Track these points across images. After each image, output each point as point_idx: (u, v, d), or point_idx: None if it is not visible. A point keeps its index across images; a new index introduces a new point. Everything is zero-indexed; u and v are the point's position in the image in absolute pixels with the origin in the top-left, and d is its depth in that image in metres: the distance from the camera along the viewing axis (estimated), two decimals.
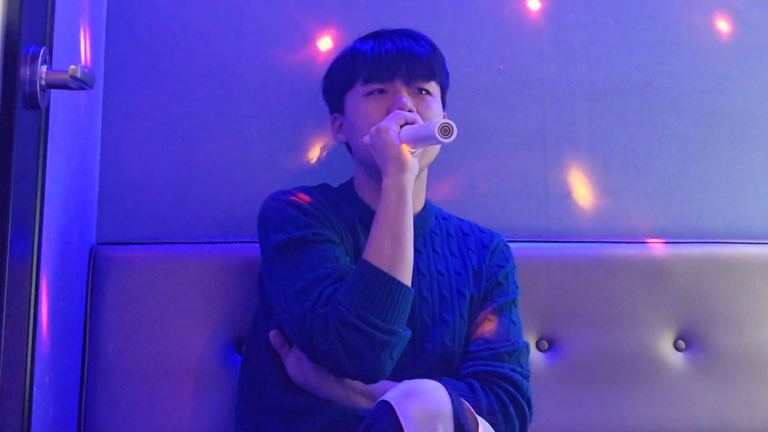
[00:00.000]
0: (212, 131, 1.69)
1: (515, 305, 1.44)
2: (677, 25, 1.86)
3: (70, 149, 1.44)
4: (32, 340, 1.16)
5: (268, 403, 1.36)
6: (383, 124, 1.33)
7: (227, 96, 1.70)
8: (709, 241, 1.76)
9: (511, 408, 1.31)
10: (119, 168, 1.66)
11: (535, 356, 1.63)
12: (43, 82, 1.04)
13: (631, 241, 1.74)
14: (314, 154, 1.68)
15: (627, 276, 1.68)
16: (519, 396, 1.33)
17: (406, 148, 1.31)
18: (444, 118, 1.47)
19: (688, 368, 1.67)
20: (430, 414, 1.07)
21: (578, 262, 1.69)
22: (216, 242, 1.62)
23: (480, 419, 1.13)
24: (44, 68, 1.04)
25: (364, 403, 1.30)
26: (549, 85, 1.80)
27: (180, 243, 1.62)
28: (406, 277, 1.26)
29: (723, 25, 1.87)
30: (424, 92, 1.41)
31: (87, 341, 1.53)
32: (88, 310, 1.54)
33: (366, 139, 1.36)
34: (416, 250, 1.39)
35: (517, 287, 1.46)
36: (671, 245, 1.72)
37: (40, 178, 1.14)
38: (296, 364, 1.33)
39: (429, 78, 1.41)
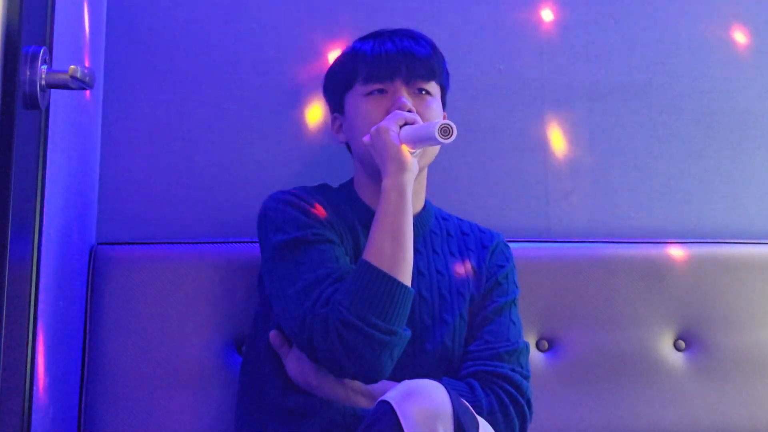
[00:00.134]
0: (212, 131, 1.69)
1: (515, 305, 1.44)
2: (677, 25, 1.86)
3: (70, 149, 1.44)
4: (32, 340, 1.16)
5: (268, 403, 1.36)
6: (383, 124, 1.33)
7: (227, 96, 1.70)
8: (709, 241, 1.76)
9: (511, 408, 1.31)
10: (119, 168, 1.66)
11: (535, 356, 1.63)
12: (43, 82, 1.04)
13: (631, 241, 1.74)
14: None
15: (627, 276, 1.68)
16: (519, 396, 1.33)
17: (405, 149, 1.31)
18: (444, 118, 1.47)
19: (688, 368, 1.67)
20: (430, 414, 1.07)
21: (578, 262, 1.69)
22: (216, 242, 1.62)
23: (480, 419, 1.13)
24: (44, 68, 1.04)
25: (364, 403, 1.30)
26: (549, 85, 1.80)
27: (180, 243, 1.62)
28: (406, 277, 1.26)
29: (723, 25, 1.87)
30: (424, 92, 1.41)
31: (87, 341, 1.53)
32: (88, 310, 1.54)
33: (366, 139, 1.36)
34: (416, 250, 1.39)
35: (516, 287, 1.46)
36: (671, 245, 1.72)
37: (40, 178, 1.14)
38: (296, 364, 1.33)
39: (429, 78, 1.41)
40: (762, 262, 1.74)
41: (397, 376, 1.25)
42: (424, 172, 1.44)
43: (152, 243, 1.62)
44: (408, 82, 1.39)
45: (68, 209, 1.45)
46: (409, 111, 1.36)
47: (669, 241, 1.74)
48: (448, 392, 1.10)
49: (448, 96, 1.51)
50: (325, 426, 1.30)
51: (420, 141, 1.31)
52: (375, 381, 1.26)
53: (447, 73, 1.48)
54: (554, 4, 1.82)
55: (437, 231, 1.47)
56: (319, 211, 1.36)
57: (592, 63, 1.82)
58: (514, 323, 1.41)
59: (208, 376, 1.53)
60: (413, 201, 1.34)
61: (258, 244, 1.41)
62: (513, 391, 1.33)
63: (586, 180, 1.80)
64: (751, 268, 1.73)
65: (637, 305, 1.67)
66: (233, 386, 1.50)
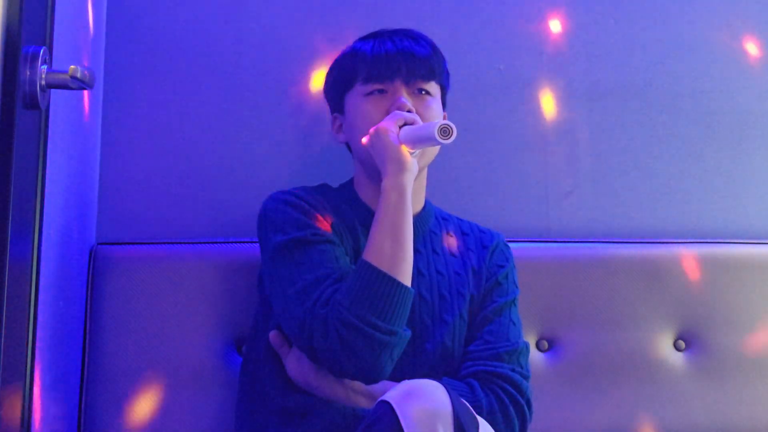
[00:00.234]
0: (212, 131, 1.69)
1: (515, 305, 1.44)
2: (677, 25, 1.86)
3: (70, 149, 1.44)
4: (32, 340, 1.16)
5: (268, 403, 1.36)
6: (382, 124, 1.33)
7: (227, 96, 1.70)
8: (709, 241, 1.76)
9: (511, 408, 1.31)
10: (119, 168, 1.66)
11: (535, 356, 1.63)
12: (43, 82, 1.04)
13: (631, 241, 1.74)
14: None
15: (627, 276, 1.68)
16: (519, 396, 1.33)
17: (405, 149, 1.31)
18: (444, 118, 1.47)
19: (688, 368, 1.67)
20: (430, 414, 1.07)
21: (578, 262, 1.69)
22: (216, 242, 1.62)
23: (480, 419, 1.13)
24: (44, 68, 1.04)
25: (364, 403, 1.30)
26: (549, 85, 1.80)
27: (180, 243, 1.62)
28: (406, 277, 1.26)
29: (723, 25, 1.87)
30: (423, 92, 1.41)
31: (87, 341, 1.53)
32: (88, 310, 1.54)
33: (365, 139, 1.36)
34: (416, 251, 1.39)
35: (516, 287, 1.46)
36: (671, 245, 1.72)
37: (40, 178, 1.14)
38: (296, 364, 1.33)
39: (429, 78, 1.41)
40: (762, 262, 1.74)
41: (397, 376, 1.25)
42: (424, 172, 1.44)
43: (152, 243, 1.62)
44: (408, 82, 1.39)
45: (68, 209, 1.45)
46: (409, 111, 1.36)
47: (669, 241, 1.74)
48: (448, 392, 1.10)
49: (448, 96, 1.51)
50: (325, 426, 1.30)
51: (419, 141, 1.31)
52: (375, 381, 1.26)
53: (447, 73, 1.48)
54: (554, 4, 1.82)
55: (437, 231, 1.47)
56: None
57: (592, 63, 1.82)
58: (514, 323, 1.41)
59: (208, 376, 1.53)
60: (413, 201, 1.34)
61: (258, 244, 1.41)
62: (513, 391, 1.33)
63: (586, 180, 1.80)
64: (751, 268, 1.73)
65: (637, 305, 1.67)
66: (233, 386, 1.50)
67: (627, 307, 1.66)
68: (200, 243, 1.62)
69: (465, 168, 1.76)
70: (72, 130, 1.46)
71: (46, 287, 1.29)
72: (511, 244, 1.52)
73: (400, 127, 1.32)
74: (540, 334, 1.65)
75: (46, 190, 1.18)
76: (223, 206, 1.67)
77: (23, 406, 1.14)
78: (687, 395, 1.65)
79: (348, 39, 1.54)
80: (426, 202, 1.48)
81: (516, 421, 1.31)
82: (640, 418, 1.63)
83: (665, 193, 1.82)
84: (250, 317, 1.49)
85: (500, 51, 1.79)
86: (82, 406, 1.52)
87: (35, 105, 1.04)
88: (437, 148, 1.41)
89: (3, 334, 0.99)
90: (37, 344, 1.21)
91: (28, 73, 1.02)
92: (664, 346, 1.67)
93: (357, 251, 1.37)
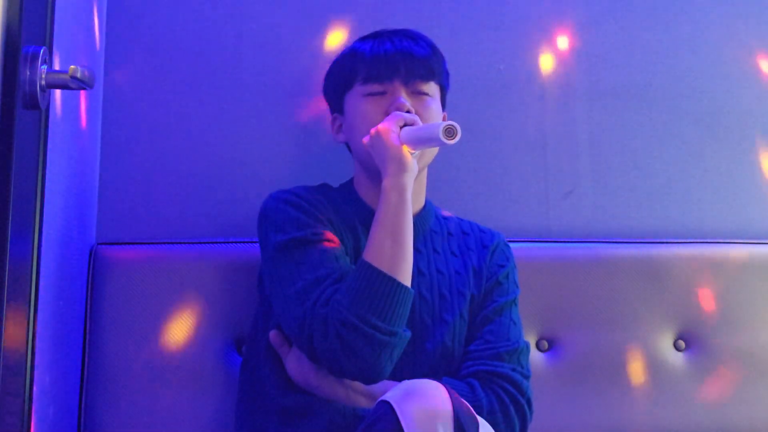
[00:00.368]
0: (212, 131, 1.69)
1: (515, 305, 1.44)
2: (677, 25, 1.86)
3: (70, 149, 1.44)
4: (32, 340, 1.16)
5: (268, 403, 1.36)
6: (383, 125, 1.33)
7: (227, 96, 1.70)
8: (709, 241, 1.76)
9: (511, 408, 1.31)
10: (119, 168, 1.66)
11: (535, 356, 1.63)
12: (43, 82, 1.04)
13: (631, 241, 1.74)
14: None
15: (627, 276, 1.68)
16: (519, 396, 1.33)
17: (406, 149, 1.31)
18: (444, 118, 1.47)
19: (688, 368, 1.67)
20: (430, 414, 1.07)
21: (578, 262, 1.69)
22: (216, 242, 1.62)
23: (480, 419, 1.13)
24: (44, 68, 1.04)
25: (364, 403, 1.30)
26: (549, 85, 1.80)
27: (180, 243, 1.62)
28: (406, 277, 1.26)
29: (723, 25, 1.87)
30: (423, 93, 1.41)
31: (87, 341, 1.53)
32: (88, 310, 1.54)
33: (365, 140, 1.36)
34: (416, 250, 1.39)
35: (517, 287, 1.46)
36: (671, 245, 1.72)
37: (40, 178, 1.14)
38: (296, 364, 1.33)
39: (428, 78, 1.41)
40: (762, 262, 1.74)
41: (397, 376, 1.25)
42: (424, 172, 1.44)
43: (152, 243, 1.62)
44: (407, 83, 1.39)
45: (68, 209, 1.45)
46: (408, 111, 1.36)
47: (669, 241, 1.74)
48: (448, 392, 1.10)
49: (448, 96, 1.51)
50: (325, 426, 1.30)
51: (421, 142, 1.30)
52: (374, 381, 1.26)
53: (447, 74, 1.48)
54: (555, 4, 1.82)
55: (437, 230, 1.47)
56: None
57: (592, 63, 1.82)
58: (515, 323, 1.41)
59: (208, 376, 1.53)
60: (413, 201, 1.34)
61: (258, 244, 1.41)
62: (513, 390, 1.33)
63: (586, 180, 1.80)
64: (751, 268, 1.73)
65: (637, 305, 1.67)
66: (233, 386, 1.50)
67: (627, 307, 1.66)
68: (200, 243, 1.62)
69: (465, 168, 1.76)
70: (72, 130, 1.46)
71: (46, 287, 1.29)
72: (511, 244, 1.52)
73: (401, 128, 1.32)
74: (540, 334, 1.65)
75: (46, 190, 1.18)
76: (223, 206, 1.67)
77: (23, 406, 1.14)
78: (687, 395, 1.65)
79: (348, 39, 1.54)
80: (426, 201, 1.48)
81: (516, 421, 1.31)
82: (640, 418, 1.63)
83: (665, 193, 1.82)
84: (250, 317, 1.49)
85: (500, 51, 1.79)
86: (82, 406, 1.52)
87: (35, 105, 1.04)
88: (437, 148, 1.41)
89: (3, 334, 0.99)
90: (37, 344, 1.20)
91: (28, 73, 1.02)
92: (664, 346, 1.67)
93: (357, 251, 1.37)
